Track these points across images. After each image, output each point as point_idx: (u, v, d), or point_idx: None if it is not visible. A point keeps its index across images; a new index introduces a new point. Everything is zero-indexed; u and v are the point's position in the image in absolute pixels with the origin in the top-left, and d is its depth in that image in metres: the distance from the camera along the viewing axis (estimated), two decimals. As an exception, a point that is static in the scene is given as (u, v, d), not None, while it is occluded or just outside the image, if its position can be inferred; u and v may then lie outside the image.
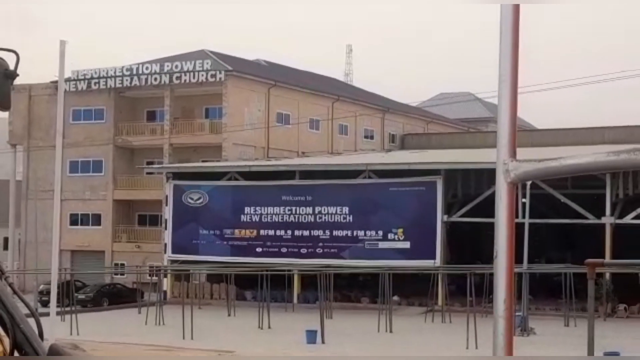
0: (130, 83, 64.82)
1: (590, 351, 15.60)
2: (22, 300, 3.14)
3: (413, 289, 52.74)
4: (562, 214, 49.44)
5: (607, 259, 40.28)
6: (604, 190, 47.52)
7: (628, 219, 47.51)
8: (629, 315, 46.03)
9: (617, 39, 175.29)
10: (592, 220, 48.11)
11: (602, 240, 47.26)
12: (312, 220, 53.25)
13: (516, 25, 2.16)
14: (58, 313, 22.73)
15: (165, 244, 57.07)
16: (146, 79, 64.16)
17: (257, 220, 54.62)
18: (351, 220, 52.35)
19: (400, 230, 51.05)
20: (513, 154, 2.14)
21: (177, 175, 57.75)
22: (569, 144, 60.51)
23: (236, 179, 55.81)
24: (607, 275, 46.22)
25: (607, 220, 47.50)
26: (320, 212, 53.10)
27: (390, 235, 51.29)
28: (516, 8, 2.11)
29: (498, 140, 2.15)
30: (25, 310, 3.08)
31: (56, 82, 23.53)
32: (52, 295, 18.03)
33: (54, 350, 2.95)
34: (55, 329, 16.16)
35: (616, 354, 28.86)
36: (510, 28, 2.15)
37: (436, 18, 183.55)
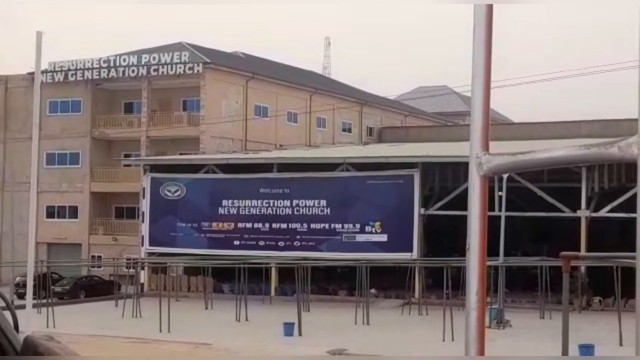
0: (108, 75, 64.53)
1: (565, 343, 15.72)
2: (-2, 293, 3.14)
3: (390, 282, 52.89)
4: (538, 207, 49.70)
5: (583, 252, 40.54)
6: (580, 184, 47.81)
7: (603, 212, 47.83)
8: (604, 308, 46.36)
9: (593, 34, 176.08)
10: (567, 213, 48.40)
11: (578, 233, 47.56)
12: (290, 213, 53.27)
13: (489, 20, 2.18)
14: (34, 305, 22.64)
15: (143, 237, 56.91)
16: (124, 71, 63.89)
17: (235, 213, 54.57)
18: (329, 213, 52.41)
19: (378, 223, 51.16)
20: (486, 147, 2.16)
21: (155, 168, 57.58)
22: (545, 137, 60.85)
23: (214, 172, 55.73)
24: (583, 268, 46.53)
25: (583, 213, 47.79)
26: (297, 205, 53.12)
27: (367, 228, 51.39)
28: (489, 5, 2.13)
29: (471, 133, 2.18)
30: (1, 303, 3.08)
31: (33, 73, 23.42)
32: (29, 287, 17.96)
33: (28, 342, 2.95)
34: (32, 321, 16.10)
35: (591, 346, 29.10)
36: (483, 22, 2.18)
37: (414, 11, 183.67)
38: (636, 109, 1.98)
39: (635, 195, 45.84)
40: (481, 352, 2.14)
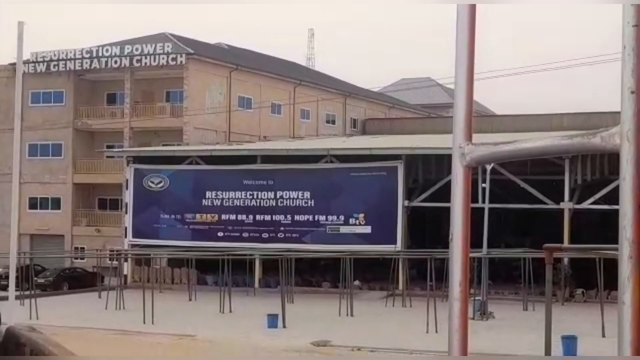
0: (90, 66, 64.24)
1: (548, 335, 15.80)
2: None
3: (374, 274, 53.00)
4: (521, 199, 49.87)
5: (566, 243, 40.73)
6: (563, 176, 48.00)
7: (586, 204, 48.04)
8: (587, 299, 46.59)
9: (576, 26, 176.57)
10: (551, 205, 48.59)
11: (561, 225, 47.76)
12: (274, 204, 53.24)
13: (472, 11, 2.18)
14: (17, 297, 22.53)
15: (126, 228, 56.76)
16: (106, 62, 63.62)
17: (219, 204, 54.50)
18: (313, 204, 52.41)
19: (362, 215, 51.20)
20: (469, 138, 2.16)
21: (138, 159, 57.40)
22: (528, 129, 61.04)
23: (197, 163, 55.62)
24: (565, 260, 46.74)
25: (566, 205, 47.98)
26: (281, 197, 53.10)
27: (351, 220, 51.43)
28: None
29: (454, 124, 2.18)
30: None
31: (14, 64, 23.29)
32: (11, 279, 17.88)
33: (10, 333, 2.94)
34: (14, 313, 16.03)
35: (573, 337, 29.23)
36: (466, 13, 2.17)
37: (398, 3, 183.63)
38: (619, 101, 1.98)
39: (617, 187, 46.23)
40: (464, 342, 2.14)
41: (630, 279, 1.87)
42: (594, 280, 39.21)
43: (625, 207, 1.88)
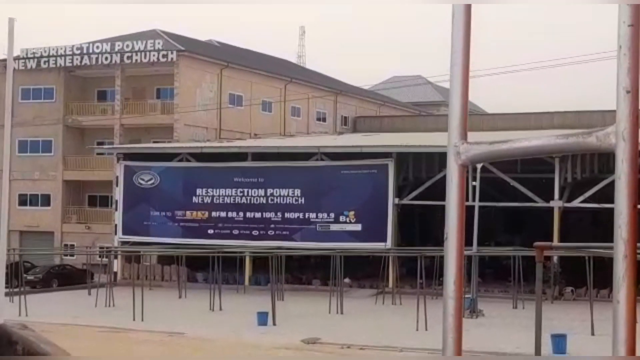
0: (81, 62, 64.09)
1: (538, 333, 15.83)
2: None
3: (364, 271, 53.06)
4: (511, 198, 49.98)
5: (555, 242, 40.81)
6: (553, 175, 48.11)
7: (576, 203, 48.16)
8: (576, 297, 46.73)
9: (569, 25, 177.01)
10: (540, 203, 48.69)
11: (551, 223, 47.88)
12: (264, 202, 53.23)
13: (468, 9, 2.18)
14: (7, 294, 22.49)
15: (116, 225, 56.68)
16: (97, 58, 63.48)
17: (209, 202, 54.46)
18: (303, 202, 52.41)
19: (352, 212, 51.22)
20: (464, 137, 2.17)
21: (128, 156, 57.31)
22: (519, 128, 61.16)
23: (188, 160, 55.57)
24: (555, 259, 46.86)
25: (556, 203, 48.09)
26: (272, 194, 53.09)
27: (341, 218, 51.45)
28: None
29: (449, 122, 2.18)
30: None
31: (5, 60, 23.21)
32: (0, 276, 17.83)
33: (2, 331, 2.93)
34: (4, 310, 16.00)
35: (563, 335, 29.31)
36: (462, 11, 2.17)
37: (390, 1, 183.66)
38: (611, 99, 1.99)
39: (607, 185, 46.17)
40: (459, 341, 2.14)
41: (625, 278, 1.88)
42: (583, 278, 39.32)
43: (621, 206, 1.89)
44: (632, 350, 1.87)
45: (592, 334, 32.32)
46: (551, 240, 42.03)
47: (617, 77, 1.92)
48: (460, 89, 2.18)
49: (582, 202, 47.89)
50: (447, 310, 2.15)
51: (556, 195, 48.16)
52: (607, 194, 47.29)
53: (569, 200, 48.57)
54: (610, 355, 1.90)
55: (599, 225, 54.85)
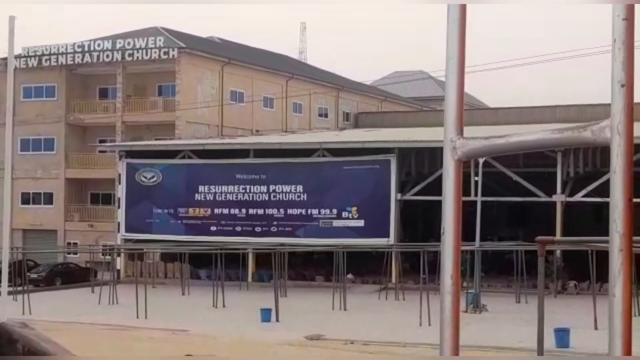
0: (82, 60, 64.10)
1: (541, 328, 15.83)
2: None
3: (367, 267, 53.04)
4: (514, 192, 49.94)
5: (558, 236, 40.80)
6: (555, 169, 48.07)
7: (578, 197, 48.13)
8: (579, 292, 46.72)
9: (568, 18, 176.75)
10: (543, 198, 48.66)
11: (553, 217, 47.85)
12: (267, 198, 53.23)
13: (463, 9, 2.18)
14: (10, 293, 22.52)
15: (119, 223, 56.69)
16: (98, 56, 63.48)
17: (211, 198, 54.47)
18: (305, 198, 52.40)
19: (355, 208, 51.22)
20: (460, 132, 2.17)
21: (130, 154, 57.32)
22: (520, 122, 61.09)
23: (190, 158, 55.58)
24: (558, 253, 46.83)
25: (558, 198, 48.06)
26: (274, 191, 53.08)
27: (344, 214, 51.45)
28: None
29: (445, 118, 2.18)
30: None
31: (6, 58, 23.21)
32: (4, 274, 17.86)
33: (3, 329, 2.94)
34: (7, 308, 16.02)
35: (566, 330, 29.29)
36: (457, 5, 2.18)
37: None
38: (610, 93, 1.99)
39: (609, 179, 46.32)
40: (456, 335, 2.15)
41: (621, 271, 1.88)
42: (586, 272, 39.30)
43: (616, 200, 1.89)
44: (628, 344, 1.88)
45: (596, 328, 32.30)
46: (554, 234, 42.02)
47: (611, 71, 1.93)
48: (456, 84, 2.18)
49: (585, 196, 47.85)
50: (444, 305, 2.15)
51: (558, 189, 48.13)
52: (609, 188, 47.30)
53: (572, 194, 48.53)
54: (606, 354, 1.90)
55: (602, 219, 54.82)
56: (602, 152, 50.72)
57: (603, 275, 38.65)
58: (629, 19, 1.91)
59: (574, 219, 50.95)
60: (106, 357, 25.79)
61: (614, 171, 1.89)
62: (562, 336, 28.82)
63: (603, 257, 36.05)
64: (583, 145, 1.99)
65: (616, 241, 1.88)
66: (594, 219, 52.78)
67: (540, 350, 16.30)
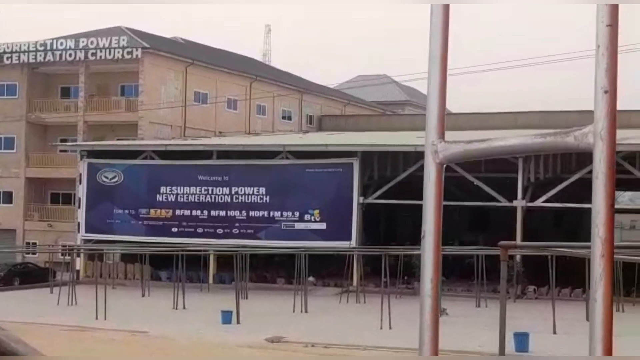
0: (44, 58, 63.52)
1: (502, 332, 15.94)
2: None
3: (328, 270, 53.09)
4: (475, 197, 50.24)
5: (518, 241, 41.09)
6: (516, 174, 48.44)
7: (539, 202, 48.54)
8: (538, 296, 47.11)
9: (544, 24, 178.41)
10: (504, 203, 49.01)
11: (514, 222, 48.20)
12: (229, 200, 53.08)
13: (446, 11, 2.18)
14: (-33, 292, 22.28)
15: (79, 223, 56.23)
16: (61, 55, 62.93)
17: (173, 200, 54.21)
18: (268, 201, 52.34)
19: (317, 211, 51.24)
20: (442, 135, 2.17)
21: (92, 154, 56.89)
22: (495, 127, 61.25)
23: (152, 158, 55.28)
24: (518, 257, 47.18)
25: (519, 203, 48.42)
26: (236, 193, 52.96)
27: (306, 216, 51.45)
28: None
29: (427, 121, 2.18)
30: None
31: (-33, 55, 22.94)
32: (-38, 274, 17.67)
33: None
34: (-35, 308, 15.84)
35: (526, 334, 29.52)
36: (440, 9, 2.18)
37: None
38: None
39: (569, 185, 46.46)
40: (435, 339, 2.15)
41: (602, 276, 1.89)
42: (545, 277, 39.63)
43: (598, 205, 1.90)
44: (609, 349, 1.89)
45: (554, 332, 32.61)
46: (514, 239, 42.31)
47: (595, 77, 1.93)
48: (438, 88, 2.18)
49: (545, 201, 48.28)
50: (424, 309, 2.15)
51: (519, 194, 48.50)
52: (569, 194, 47.75)
53: (532, 199, 48.94)
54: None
55: (561, 225, 55.35)
56: (562, 159, 51.19)
57: (562, 281, 39.05)
58: (613, 25, 1.92)
59: (534, 224, 51.37)
60: (67, 356, 25.55)
61: (597, 177, 1.90)
62: (522, 340, 29.04)
63: (562, 263, 36.41)
64: (565, 151, 2.00)
65: (598, 247, 1.89)
66: (553, 224, 53.28)
67: (502, 352, 16.41)
